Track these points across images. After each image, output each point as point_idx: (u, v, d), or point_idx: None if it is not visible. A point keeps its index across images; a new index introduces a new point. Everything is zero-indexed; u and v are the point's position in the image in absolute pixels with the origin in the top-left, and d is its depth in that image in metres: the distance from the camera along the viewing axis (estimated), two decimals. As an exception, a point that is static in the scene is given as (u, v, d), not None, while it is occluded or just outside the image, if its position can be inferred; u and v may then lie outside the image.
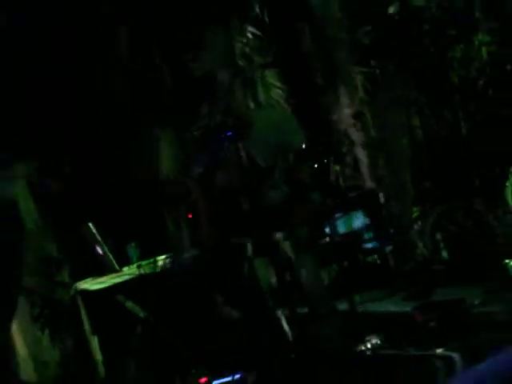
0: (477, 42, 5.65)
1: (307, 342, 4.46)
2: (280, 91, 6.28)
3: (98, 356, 4.75)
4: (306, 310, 4.60)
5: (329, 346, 4.32)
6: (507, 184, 5.00)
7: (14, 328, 4.51)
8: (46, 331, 4.68)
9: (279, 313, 4.55)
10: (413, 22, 5.69)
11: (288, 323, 4.53)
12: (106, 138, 5.62)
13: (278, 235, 4.46)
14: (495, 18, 5.54)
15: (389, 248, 5.68)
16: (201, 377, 4.43)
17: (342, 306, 4.66)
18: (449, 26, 5.68)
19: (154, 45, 5.74)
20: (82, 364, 4.76)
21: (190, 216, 5.35)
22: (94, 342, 4.75)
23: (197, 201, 5.15)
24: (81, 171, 5.48)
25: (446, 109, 5.87)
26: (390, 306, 4.97)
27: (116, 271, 5.02)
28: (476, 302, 4.26)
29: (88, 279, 5.01)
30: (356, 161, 6.04)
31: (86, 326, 4.81)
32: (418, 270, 5.33)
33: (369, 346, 4.10)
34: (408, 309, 4.55)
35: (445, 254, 5.48)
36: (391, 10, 5.69)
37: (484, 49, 5.62)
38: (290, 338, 4.46)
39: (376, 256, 5.73)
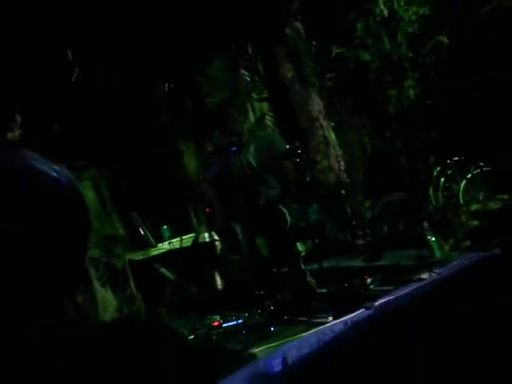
0: (406, 86, 6.70)
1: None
2: (271, 118, 7.14)
3: (141, 306, 5.55)
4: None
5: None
6: (431, 185, 6.28)
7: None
8: (107, 287, 5.34)
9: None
10: (363, 71, 6.67)
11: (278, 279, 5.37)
12: (149, 154, 6.42)
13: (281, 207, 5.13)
14: (418, 69, 6.62)
15: (348, 228, 6.50)
16: (214, 321, 5.02)
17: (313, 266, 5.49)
18: (387, 74, 6.69)
19: (185, 91, 6.58)
20: (130, 310, 5.37)
21: (208, 210, 5.87)
22: (138, 296, 5.55)
23: (212, 199, 5.78)
24: (131, 176, 6.25)
25: (387, 131, 6.88)
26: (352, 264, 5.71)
27: (153, 246, 5.95)
28: (405, 263, 5.37)
29: (134, 252, 5.87)
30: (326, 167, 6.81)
31: (133, 285, 5.57)
32: (369, 243, 6.24)
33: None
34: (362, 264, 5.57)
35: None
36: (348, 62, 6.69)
37: (411, 90, 6.70)
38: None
39: (339, 234, 6.49)
